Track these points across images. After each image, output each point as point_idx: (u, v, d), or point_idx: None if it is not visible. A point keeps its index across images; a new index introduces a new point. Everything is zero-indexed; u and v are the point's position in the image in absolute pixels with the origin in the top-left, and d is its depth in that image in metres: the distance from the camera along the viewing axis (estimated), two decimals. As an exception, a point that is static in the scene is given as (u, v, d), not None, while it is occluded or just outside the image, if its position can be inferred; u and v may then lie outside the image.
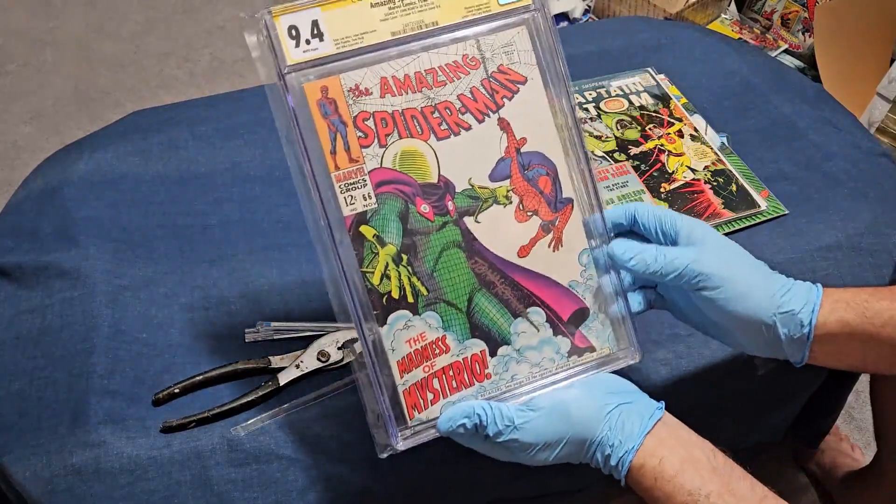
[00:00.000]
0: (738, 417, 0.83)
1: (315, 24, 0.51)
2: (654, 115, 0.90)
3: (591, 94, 0.92)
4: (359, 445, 0.63)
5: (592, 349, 0.57)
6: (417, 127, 0.54)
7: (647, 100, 0.92)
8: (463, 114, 0.55)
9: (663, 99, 0.92)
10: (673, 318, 0.60)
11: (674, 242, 0.56)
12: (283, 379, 0.65)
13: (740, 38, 1.68)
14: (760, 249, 0.77)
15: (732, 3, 1.77)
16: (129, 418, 0.63)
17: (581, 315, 0.57)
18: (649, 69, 0.96)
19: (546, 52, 0.56)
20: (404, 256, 0.53)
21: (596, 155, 0.85)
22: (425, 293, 0.54)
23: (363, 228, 0.53)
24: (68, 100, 1.67)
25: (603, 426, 0.52)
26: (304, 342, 0.67)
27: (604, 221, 0.57)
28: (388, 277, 0.53)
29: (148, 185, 0.81)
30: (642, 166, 0.84)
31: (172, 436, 0.62)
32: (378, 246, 0.53)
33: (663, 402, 0.54)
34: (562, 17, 1.75)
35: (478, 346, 0.55)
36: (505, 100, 0.55)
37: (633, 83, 0.94)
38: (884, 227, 0.79)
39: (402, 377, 0.53)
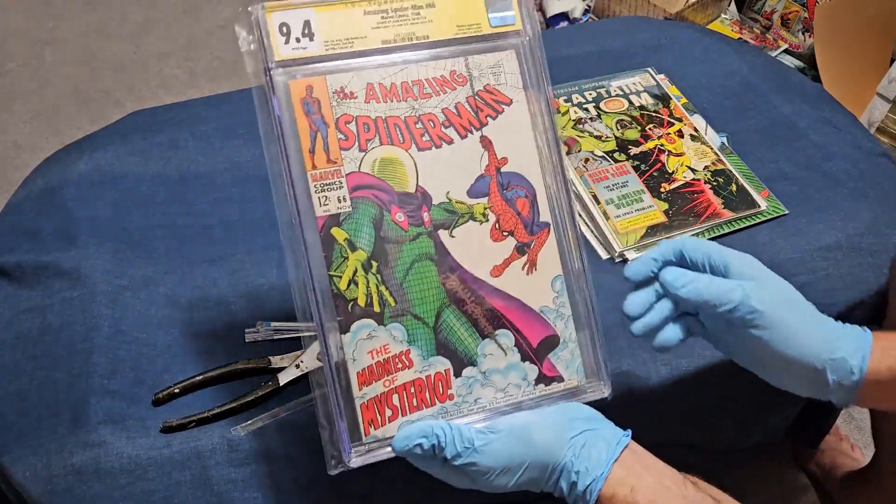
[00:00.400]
0: (738, 417, 0.83)
1: (307, 23, 0.52)
2: (654, 115, 0.90)
3: (591, 94, 0.92)
4: (359, 445, 0.63)
5: (560, 379, 0.56)
6: (399, 135, 0.53)
7: (647, 100, 0.92)
8: (446, 127, 0.54)
9: (663, 99, 0.92)
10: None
11: (724, 276, 0.54)
12: (283, 379, 0.65)
13: (740, 38, 1.68)
14: (760, 249, 0.77)
15: (732, 3, 1.77)
16: (129, 418, 0.63)
17: (551, 343, 0.56)
18: (649, 69, 0.96)
19: (533, 78, 0.56)
20: (374, 263, 0.52)
21: (596, 155, 0.85)
22: (393, 304, 0.52)
23: (335, 231, 0.52)
24: (68, 100, 1.67)
25: (567, 451, 0.50)
26: (304, 342, 0.67)
27: (579, 244, 0.57)
28: (356, 284, 0.52)
29: (148, 185, 0.81)
30: (642, 166, 0.84)
31: (172, 436, 0.62)
32: (348, 250, 0.52)
33: (629, 430, 0.53)
34: (562, 17, 1.75)
35: (442, 364, 0.53)
36: (489, 118, 0.55)
37: (633, 83, 0.94)
38: (884, 227, 0.79)
39: (360, 389, 0.52)
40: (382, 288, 0.52)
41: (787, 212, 0.81)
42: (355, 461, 0.51)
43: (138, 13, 1.89)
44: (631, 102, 0.92)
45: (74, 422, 0.62)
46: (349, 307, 0.52)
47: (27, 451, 0.61)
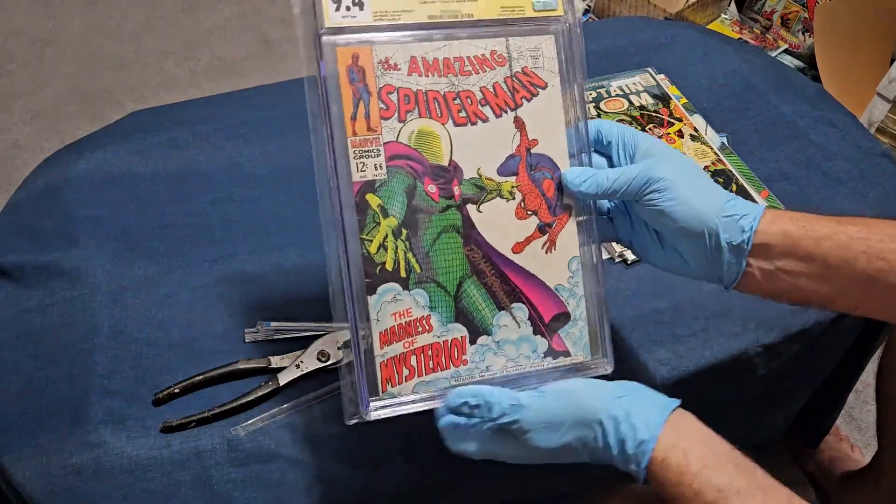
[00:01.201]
0: (738, 417, 0.83)
1: None
2: (654, 115, 0.90)
3: (591, 94, 0.92)
4: (359, 445, 0.63)
5: (567, 354, 0.58)
6: (437, 109, 0.55)
7: (647, 100, 0.92)
8: (483, 105, 0.56)
9: (663, 99, 0.92)
10: (673, 318, 0.60)
11: (632, 159, 0.57)
12: (283, 379, 0.65)
13: (740, 38, 1.68)
14: (760, 249, 0.77)
15: (732, 3, 1.77)
16: (130, 418, 0.63)
17: (562, 319, 0.58)
18: (649, 69, 0.96)
19: (570, 63, 0.58)
20: (404, 231, 0.54)
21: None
22: (419, 270, 0.54)
23: (369, 196, 0.53)
24: (68, 99, 1.67)
25: (613, 410, 0.49)
26: (304, 342, 0.67)
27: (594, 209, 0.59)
28: (385, 249, 0.54)
29: (148, 184, 0.81)
30: (642, 166, 0.84)
31: (172, 436, 0.62)
32: (381, 216, 0.54)
33: (680, 399, 0.52)
34: None
35: (459, 331, 0.56)
36: (524, 100, 0.57)
37: (633, 83, 0.94)
38: (884, 227, 0.79)
39: (381, 348, 0.54)
40: (410, 255, 0.54)
41: (787, 212, 0.81)
42: (372, 414, 0.54)
43: (138, 13, 1.88)
44: (631, 102, 0.92)
45: (74, 421, 0.62)
46: (377, 270, 0.53)
47: (27, 450, 0.61)
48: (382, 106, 0.54)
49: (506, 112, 0.57)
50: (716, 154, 0.86)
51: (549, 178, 0.58)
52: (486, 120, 0.56)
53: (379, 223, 0.53)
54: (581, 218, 0.58)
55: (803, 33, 1.69)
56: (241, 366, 0.66)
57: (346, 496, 0.62)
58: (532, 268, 0.57)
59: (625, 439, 0.48)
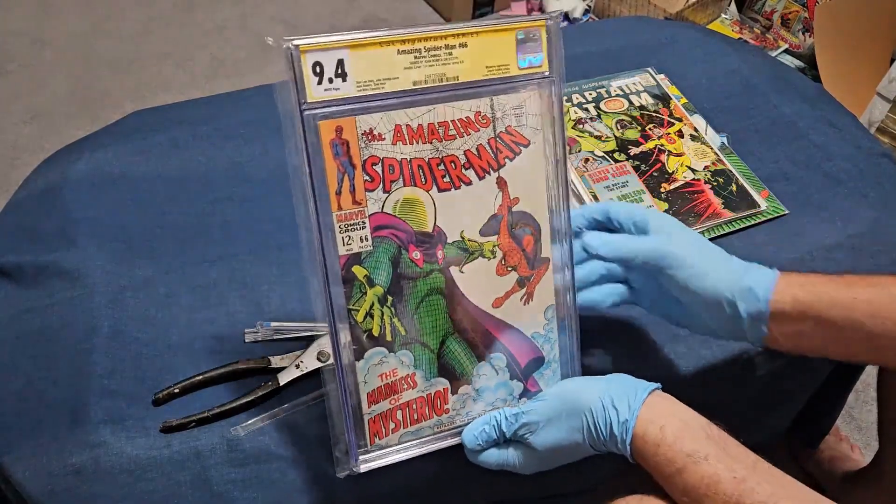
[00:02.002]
0: (737, 417, 0.83)
1: (340, 63, 0.52)
2: (654, 115, 0.90)
3: (591, 94, 0.92)
4: (359, 445, 0.63)
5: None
6: (422, 177, 0.55)
7: (647, 100, 0.92)
8: (466, 169, 0.56)
9: (663, 99, 0.92)
10: (672, 319, 0.61)
11: (644, 233, 0.61)
12: (283, 379, 0.65)
13: (740, 38, 1.68)
14: (760, 249, 0.77)
15: (732, 3, 1.77)
16: (129, 418, 0.63)
17: (537, 363, 0.61)
18: (649, 69, 0.96)
19: (551, 118, 0.58)
20: (390, 298, 0.55)
21: (596, 155, 0.85)
22: (403, 333, 0.56)
23: (356, 268, 0.54)
24: (68, 100, 1.67)
25: (601, 397, 0.55)
26: (304, 342, 0.67)
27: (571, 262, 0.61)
28: (372, 316, 0.55)
29: (148, 185, 0.81)
30: (642, 166, 0.84)
31: (172, 436, 0.62)
32: (367, 286, 0.55)
33: (660, 384, 0.57)
34: (562, 17, 1.75)
35: (442, 383, 0.59)
36: (507, 160, 0.57)
37: (633, 83, 0.94)
38: (884, 227, 0.79)
39: (369, 407, 0.57)
40: (395, 320, 0.56)
41: (787, 212, 0.81)
42: (362, 467, 0.57)
43: (138, 14, 1.89)
44: (631, 102, 0.92)
45: (74, 422, 0.62)
46: (364, 337, 0.55)
47: (27, 450, 0.61)
48: (367, 178, 0.53)
49: (489, 173, 0.57)
50: (716, 154, 0.86)
51: (528, 234, 0.59)
52: (469, 183, 0.56)
53: (365, 293, 0.55)
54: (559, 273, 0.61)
55: (803, 33, 1.69)
56: (241, 366, 0.66)
57: (346, 496, 0.62)
58: (510, 319, 0.60)
59: (611, 421, 0.54)
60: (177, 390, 0.64)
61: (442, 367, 0.58)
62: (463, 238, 0.57)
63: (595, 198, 0.81)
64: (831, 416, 0.96)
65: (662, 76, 0.95)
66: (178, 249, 0.75)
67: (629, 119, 0.90)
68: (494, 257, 0.58)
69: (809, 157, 0.86)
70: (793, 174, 0.85)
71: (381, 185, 0.54)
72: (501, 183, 0.57)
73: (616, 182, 0.83)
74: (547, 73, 0.57)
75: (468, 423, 0.59)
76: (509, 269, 0.59)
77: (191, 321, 0.69)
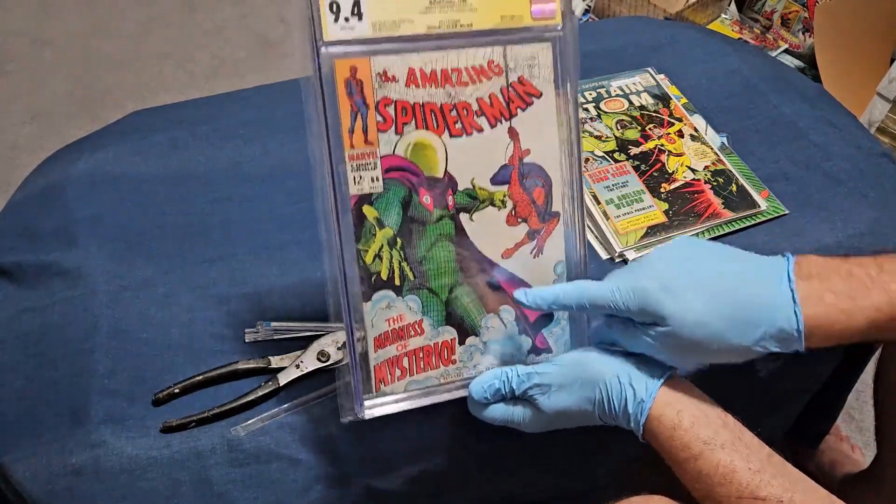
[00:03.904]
0: (738, 418, 0.83)
1: (357, 3, 0.52)
2: (654, 115, 0.90)
3: (591, 94, 0.92)
4: (359, 445, 0.63)
5: (549, 351, 0.61)
6: (434, 122, 0.56)
7: (647, 100, 0.92)
8: (478, 116, 0.57)
9: (663, 99, 0.92)
10: None
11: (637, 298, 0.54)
12: (283, 379, 0.65)
13: (740, 38, 1.68)
14: (760, 249, 0.77)
15: (732, 3, 1.77)
16: (130, 418, 0.63)
17: (546, 319, 0.61)
18: (649, 69, 0.96)
19: (565, 72, 0.58)
20: (399, 241, 0.56)
21: (596, 155, 0.85)
22: (412, 278, 0.56)
23: (366, 209, 0.54)
24: (68, 100, 1.67)
25: (617, 372, 0.54)
26: (304, 342, 0.67)
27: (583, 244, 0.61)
28: (381, 258, 0.55)
29: (148, 185, 0.81)
30: (642, 166, 0.84)
31: (172, 436, 0.62)
32: (377, 227, 0.55)
33: (676, 368, 0.56)
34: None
35: (450, 333, 0.58)
36: (519, 110, 0.58)
37: (633, 83, 0.94)
38: (884, 227, 0.79)
39: (376, 352, 0.56)
40: (404, 264, 0.56)
41: (787, 212, 0.81)
42: (367, 413, 0.56)
43: (138, 13, 1.89)
44: (631, 102, 0.92)
45: (74, 421, 0.62)
46: (372, 279, 0.55)
47: (27, 450, 0.61)
48: (380, 119, 0.54)
49: (500, 122, 0.57)
50: (716, 154, 0.86)
51: (539, 187, 0.59)
52: (481, 131, 0.57)
53: (375, 234, 0.55)
54: (569, 224, 0.60)
55: (803, 33, 1.69)
56: (241, 366, 0.66)
57: (346, 496, 0.62)
58: (519, 272, 0.59)
59: (626, 399, 0.53)
60: (177, 390, 0.64)
61: (450, 315, 0.58)
62: (473, 185, 0.57)
63: (595, 198, 0.81)
64: (831, 416, 0.96)
65: (662, 76, 0.95)
66: (178, 249, 0.75)
67: (629, 119, 0.90)
68: (505, 207, 0.58)
69: (809, 157, 0.86)
70: (793, 174, 0.85)
71: (394, 127, 0.54)
72: (513, 133, 0.58)
73: (616, 182, 0.83)
74: (560, 27, 0.58)
75: (475, 377, 0.58)
76: (520, 220, 0.59)
77: (191, 321, 0.69)
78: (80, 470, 0.60)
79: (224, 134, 0.86)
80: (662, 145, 0.87)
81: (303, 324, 0.69)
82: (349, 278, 0.54)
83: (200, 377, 0.65)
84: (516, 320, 0.60)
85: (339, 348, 0.66)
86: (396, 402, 0.57)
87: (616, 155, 0.86)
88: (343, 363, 0.57)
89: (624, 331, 0.56)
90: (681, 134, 0.88)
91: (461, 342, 0.59)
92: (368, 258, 0.55)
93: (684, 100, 0.93)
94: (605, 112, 0.90)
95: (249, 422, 0.63)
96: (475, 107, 0.56)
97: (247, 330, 0.69)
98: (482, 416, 0.58)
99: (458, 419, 0.65)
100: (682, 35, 1.02)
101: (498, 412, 0.57)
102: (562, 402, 0.55)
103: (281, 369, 0.65)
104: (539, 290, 0.56)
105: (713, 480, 0.50)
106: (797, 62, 1.66)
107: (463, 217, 0.57)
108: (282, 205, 0.80)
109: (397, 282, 0.56)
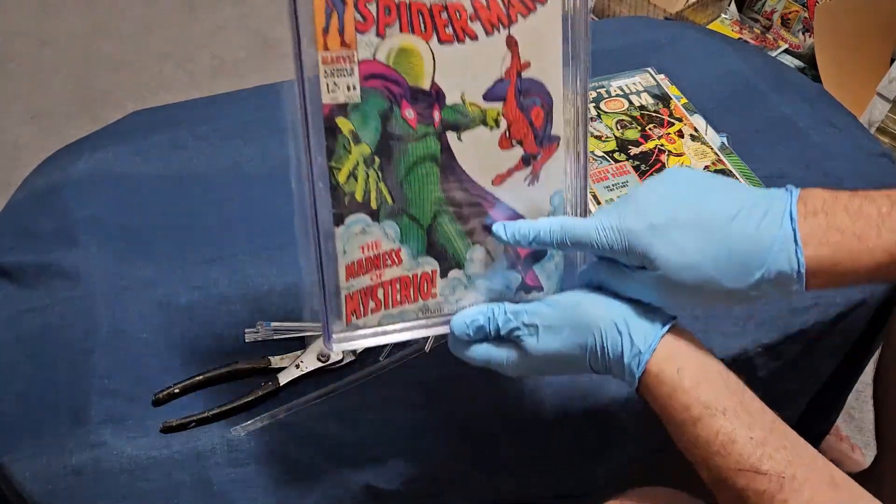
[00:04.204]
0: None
1: None
2: (654, 115, 0.90)
3: (590, 94, 0.92)
4: (359, 445, 0.63)
5: (540, 289, 0.55)
6: (421, 24, 0.49)
7: (647, 100, 0.92)
8: (472, 21, 0.50)
9: (663, 99, 0.92)
10: None
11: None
12: (283, 379, 0.65)
13: (740, 38, 1.68)
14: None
15: (732, 3, 1.77)
16: (130, 418, 0.63)
17: (538, 254, 0.55)
18: (649, 69, 0.96)
19: None
20: (377, 159, 0.50)
21: (596, 155, 0.85)
22: (390, 202, 0.51)
23: (340, 121, 0.49)
24: (68, 100, 1.67)
25: (615, 318, 0.49)
26: (304, 342, 0.67)
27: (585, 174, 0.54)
28: (356, 178, 0.50)
29: (148, 184, 0.81)
30: (642, 166, 0.84)
31: (172, 436, 0.62)
32: (352, 142, 0.49)
33: (676, 317, 0.51)
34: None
35: (430, 264, 0.53)
36: (519, 16, 0.51)
37: (633, 83, 0.94)
38: (884, 227, 0.79)
39: (347, 280, 0.51)
40: (382, 185, 0.51)
41: (787, 212, 0.81)
42: (335, 346, 0.53)
43: (138, 13, 1.89)
44: (631, 102, 0.92)
45: (74, 422, 0.62)
46: (346, 200, 0.50)
47: (27, 451, 0.61)
48: (359, 18, 0.48)
49: (498, 30, 0.50)
50: (716, 154, 0.86)
51: (538, 106, 0.52)
52: (474, 38, 0.50)
53: (350, 150, 0.49)
54: (571, 150, 0.54)
55: (803, 33, 1.69)
56: (241, 366, 0.66)
57: (346, 496, 0.62)
58: (511, 201, 0.53)
59: (623, 350, 0.49)
60: (177, 390, 0.64)
61: (431, 245, 0.53)
62: (464, 101, 0.51)
63: (595, 198, 0.81)
64: (831, 416, 0.96)
65: (662, 76, 0.95)
66: (178, 249, 0.75)
67: (629, 119, 0.90)
68: (497, 127, 0.52)
69: (809, 157, 0.86)
70: (793, 174, 0.85)
71: (375, 28, 0.48)
72: (511, 42, 0.51)
73: (616, 182, 0.83)
74: None
75: (457, 313, 0.53)
76: (514, 142, 0.52)
77: (191, 321, 0.69)
78: (81, 470, 0.59)
79: (224, 134, 0.86)
80: (662, 145, 0.87)
81: (303, 324, 0.69)
82: (319, 197, 0.49)
83: (200, 377, 0.65)
84: (505, 254, 0.54)
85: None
86: (368, 336, 0.53)
87: (616, 155, 0.86)
88: (307, 264, 0.51)
89: (610, 272, 0.51)
90: (681, 134, 0.88)
91: (443, 275, 0.53)
92: (342, 177, 0.49)
93: (684, 100, 0.93)
94: (605, 112, 0.90)
95: (249, 422, 0.63)
96: (469, 9, 0.49)
97: (247, 330, 0.69)
98: (463, 356, 0.53)
99: (458, 419, 0.65)
100: (682, 35, 1.02)
101: (480, 352, 0.52)
102: (551, 345, 0.50)
103: (281, 369, 0.65)
104: (518, 224, 0.51)
105: (711, 449, 0.46)
106: (797, 62, 1.66)
107: (450, 136, 0.51)
108: (282, 205, 0.79)
109: (374, 205, 0.51)
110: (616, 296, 0.51)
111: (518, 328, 0.51)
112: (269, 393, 0.64)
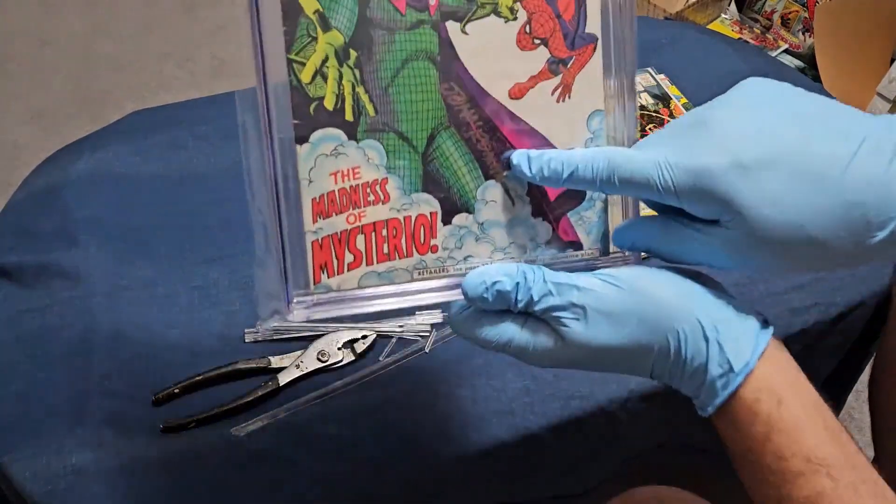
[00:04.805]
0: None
1: None
2: (654, 115, 0.90)
3: (591, 94, 0.92)
4: (359, 445, 0.63)
5: (578, 246, 0.43)
6: None
7: (647, 100, 0.92)
8: None
9: (663, 99, 0.92)
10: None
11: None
12: (283, 379, 0.65)
13: (740, 38, 1.68)
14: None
15: (732, 3, 1.77)
16: (129, 418, 0.62)
17: (573, 197, 0.42)
18: (649, 69, 0.96)
19: None
20: (353, 53, 0.38)
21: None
22: (372, 113, 0.39)
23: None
24: (68, 100, 1.67)
25: (698, 316, 0.37)
26: (304, 342, 0.67)
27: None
28: (324, 77, 0.38)
29: (148, 184, 0.81)
30: (642, 166, 0.84)
31: (172, 436, 0.62)
32: (319, 28, 0.38)
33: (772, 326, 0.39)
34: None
35: (429, 204, 0.41)
36: None
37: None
38: (884, 227, 0.79)
39: (315, 222, 0.39)
40: (360, 89, 0.39)
41: (787, 212, 0.81)
42: (297, 313, 0.39)
43: (138, 13, 1.89)
44: (631, 102, 0.92)
45: (74, 422, 0.62)
46: (311, 108, 0.38)
47: (27, 451, 0.61)
48: None
49: None
50: (716, 154, 0.86)
51: None
52: None
53: (316, 38, 0.38)
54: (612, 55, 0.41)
55: (803, 33, 1.69)
56: (241, 366, 0.66)
57: (346, 496, 0.62)
58: (536, 121, 0.41)
59: (707, 361, 0.37)
60: (177, 390, 0.64)
61: (429, 178, 0.40)
62: None
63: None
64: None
65: (662, 76, 0.95)
66: (178, 249, 0.75)
67: (629, 119, 0.90)
68: (515, 19, 0.40)
69: (809, 157, 0.86)
70: (793, 174, 0.85)
71: None
72: None
73: (616, 182, 0.82)
74: None
75: (462, 274, 0.40)
76: (536, 42, 0.40)
77: (191, 321, 0.69)
78: (81, 470, 0.59)
79: (224, 134, 0.86)
80: (662, 145, 0.87)
81: (303, 324, 0.69)
82: (274, 103, 0.38)
83: (200, 377, 0.65)
84: (529, 195, 0.41)
85: (339, 348, 0.66)
86: (345, 301, 0.39)
87: (616, 155, 0.85)
88: (262, 219, 0.39)
89: (665, 229, 0.39)
90: (681, 134, 0.88)
91: (446, 220, 0.41)
92: (305, 75, 0.38)
93: (684, 100, 0.93)
94: (605, 112, 0.90)
95: (249, 422, 0.63)
96: None
97: (247, 330, 0.69)
98: (471, 335, 0.40)
99: (458, 420, 0.65)
100: (682, 35, 1.02)
101: (496, 333, 0.39)
102: (606, 338, 0.37)
103: (281, 369, 0.65)
104: (548, 155, 0.39)
105: None
106: (797, 62, 1.66)
107: (451, 28, 0.39)
108: (282, 205, 0.79)
109: (349, 116, 0.39)
110: (701, 280, 0.39)
111: (561, 307, 0.38)
112: (269, 393, 0.64)
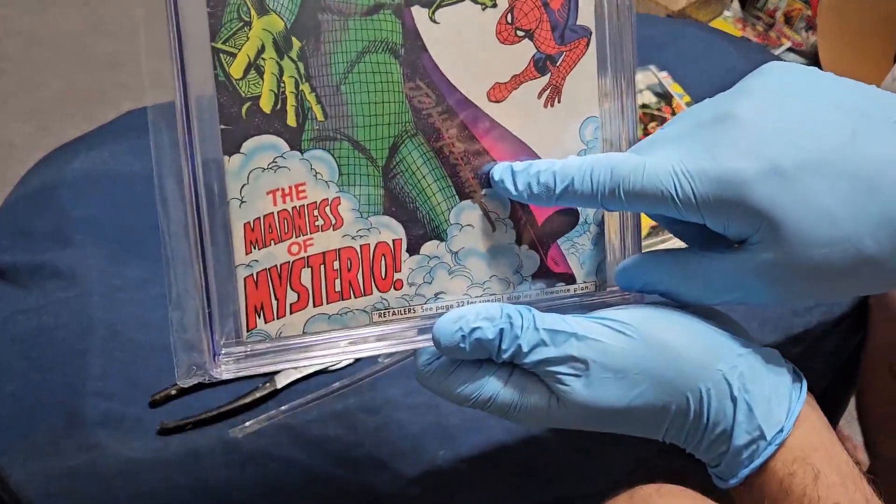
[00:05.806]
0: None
1: None
2: (656, 113, 0.90)
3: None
4: (359, 446, 0.63)
5: (571, 279, 0.36)
6: None
7: (649, 98, 0.92)
8: None
9: (665, 97, 0.92)
10: None
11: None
12: (282, 380, 0.64)
13: (743, 36, 1.67)
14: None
15: (735, 1, 1.77)
16: (126, 420, 0.62)
17: (565, 220, 0.36)
18: (651, 67, 0.95)
19: None
20: (296, 42, 0.32)
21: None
22: (321, 117, 0.33)
23: None
24: (64, 99, 1.66)
25: (724, 372, 0.31)
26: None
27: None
28: (260, 72, 0.32)
29: (144, 184, 0.80)
30: (644, 165, 0.84)
31: (169, 438, 0.61)
32: (253, 11, 0.32)
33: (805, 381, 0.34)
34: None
35: (391, 230, 0.34)
36: None
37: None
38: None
39: (248, 252, 0.33)
40: (305, 87, 0.33)
41: (790, 211, 0.80)
42: (226, 368, 0.32)
43: (134, 12, 1.88)
44: (632, 100, 0.91)
45: (70, 424, 0.61)
46: (243, 110, 0.32)
47: (23, 453, 0.60)
48: None
49: None
50: (718, 152, 0.86)
51: None
52: None
53: (249, 22, 0.32)
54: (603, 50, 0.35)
55: (806, 31, 1.69)
56: (239, 367, 0.65)
57: (346, 498, 0.62)
58: (519, 130, 0.35)
59: (732, 427, 0.31)
60: (173, 392, 0.64)
61: (392, 195, 0.34)
62: None
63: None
64: (833, 417, 0.95)
65: (665, 74, 0.95)
66: (174, 249, 0.74)
67: (631, 117, 0.89)
68: (494, 6, 0.34)
69: (813, 155, 0.86)
70: (796, 173, 0.84)
71: None
72: None
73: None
74: None
75: (434, 316, 0.34)
76: (520, 34, 0.34)
77: (188, 322, 0.69)
78: (77, 472, 0.59)
79: (221, 132, 0.85)
80: (664, 144, 0.86)
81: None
82: (194, 103, 0.32)
83: (197, 379, 0.64)
84: (512, 218, 0.35)
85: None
86: (286, 351, 0.33)
87: (618, 153, 0.85)
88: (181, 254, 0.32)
89: (681, 263, 0.32)
90: (683, 132, 0.88)
91: (412, 250, 0.34)
92: (235, 70, 0.32)
93: (687, 98, 0.92)
94: (607, 110, 0.90)
95: (247, 423, 0.62)
96: None
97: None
98: (442, 390, 0.33)
99: (458, 421, 0.65)
100: (685, 33, 1.02)
101: (474, 386, 0.32)
102: (611, 398, 0.31)
103: (279, 371, 0.65)
104: (536, 167, 0.32)
105: None
106: (800, 60, 1.66)
107: (417, 14, 0.33)
108: (280, 204, 0.79)
109: (291, 121, 0.32)
110: (720, 323, 0.34)
111: (557, 360, 0.31)
112: (267, 394, 0.64)
